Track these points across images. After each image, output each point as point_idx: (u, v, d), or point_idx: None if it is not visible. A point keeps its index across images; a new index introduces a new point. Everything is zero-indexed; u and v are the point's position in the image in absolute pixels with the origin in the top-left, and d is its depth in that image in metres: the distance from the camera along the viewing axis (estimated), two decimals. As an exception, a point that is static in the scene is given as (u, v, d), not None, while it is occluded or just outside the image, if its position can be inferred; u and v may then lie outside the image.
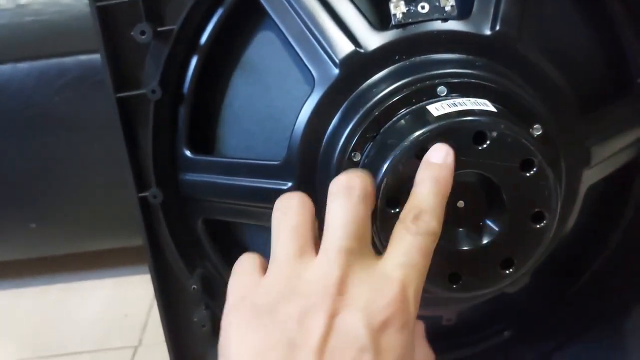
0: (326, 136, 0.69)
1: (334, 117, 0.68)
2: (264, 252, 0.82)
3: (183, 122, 0.76)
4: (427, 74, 0.64)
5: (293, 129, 0.70)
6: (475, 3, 0.67)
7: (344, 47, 0.67)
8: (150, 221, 0.79)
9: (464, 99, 0.61)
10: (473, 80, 0.63)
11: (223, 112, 0.75)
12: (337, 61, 0.67)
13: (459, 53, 0.67)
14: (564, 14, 0.76)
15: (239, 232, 0.82)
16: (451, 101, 0.61)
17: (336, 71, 0.67)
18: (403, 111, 0.63)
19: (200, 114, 0.76)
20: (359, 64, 0.67)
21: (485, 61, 0.66)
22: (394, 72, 0.66)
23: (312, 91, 0.69)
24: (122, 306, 1.32)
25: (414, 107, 0.63)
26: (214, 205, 0.78)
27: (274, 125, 0.74)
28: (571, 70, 0.73)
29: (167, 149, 0.77)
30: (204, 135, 0.79)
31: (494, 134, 0.59)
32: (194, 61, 0.74)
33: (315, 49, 0.68)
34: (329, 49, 0.68)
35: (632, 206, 0.85)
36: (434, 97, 0.63)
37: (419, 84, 0.63)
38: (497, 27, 0.67)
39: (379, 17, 0.69)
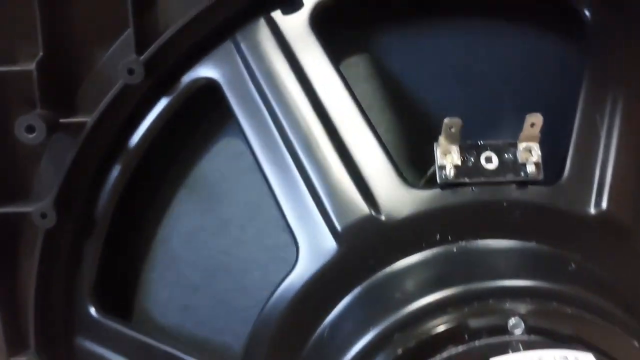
0: (316, 334, 0.44)
1: (330, 310, 0.44)
2: None
3: (90, 263, 0.52)
4: (489, 285, 0.38)
5: (265, 307, 0.46)
6: (569, 161, 0.44)
7: (353, 206, 0.43)
8: (22, 401, 0.52)
9: (558, 353, 0.34)
10: (569, 311, 0.37)
11: (154, 250, 0.54)
12: (339, 229, 0.41)
13: (541, 241, 0.41)
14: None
15: None
16: (535, 355, 0.34)
17: (334, 245, 0.42)
18: (451, 349, 0.37)
19: (118, 248, 0.54)
20: (374, 239, 0.43)
21: (582, 259, 0.41)
22: (432, 262, 0.42)
23: (295, 262, 0.43)
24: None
25: (468, 347, 0.36)
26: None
27: (230, 283, 0.52)
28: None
29: (62, 297, 0.52)
30: (121, 280, 0.52)
31: None
32: (115, 172, 0.51)
33: (304, 200, 0.43)
34: (327, 206, 0.41)
35: None
36: (502, 332, 0.37)
37: (475, 304, 0.38)
38: (604, 204, 0.42)
39: (418, 167, 0.46)
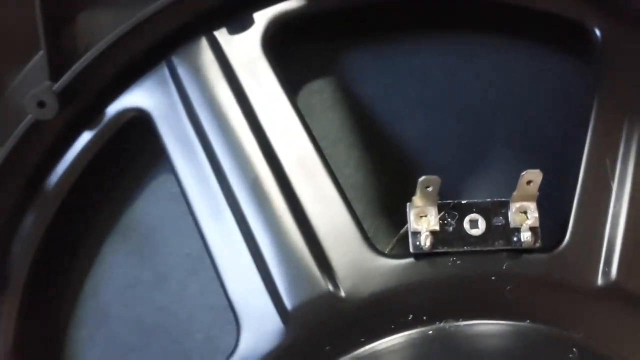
0: None
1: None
2: None
3: (6, 323, 0.44)
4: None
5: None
6: (572, 220, 0.36)
7: (306, 280, 0.36)
8: None
9: None
10: None
11: (83, 305, 0.47)
12: (288, 308, 0.34)
13: (537, 321, 0.34)
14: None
15: None
16: None
17: (281, 327, 0.35)
18: None
19: (40, 304, 0.46)
20: (332, 320, 0.35)
21: (586, 342, 0.35)
22: (403, 349, 0.35)
23: (235, 346, 0.36)
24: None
25: None
26: None
27: (169, 345, 0.46)
28: None
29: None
30: (44, 340, 0.46)
31: None
32: (30, 219, 0.43)
33: (247, 269, 0.38)
34: (275, 278, 0.35)
35: None
36: None
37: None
38: (613, 274, 0.35)
39: (394, 220, 0.39)
